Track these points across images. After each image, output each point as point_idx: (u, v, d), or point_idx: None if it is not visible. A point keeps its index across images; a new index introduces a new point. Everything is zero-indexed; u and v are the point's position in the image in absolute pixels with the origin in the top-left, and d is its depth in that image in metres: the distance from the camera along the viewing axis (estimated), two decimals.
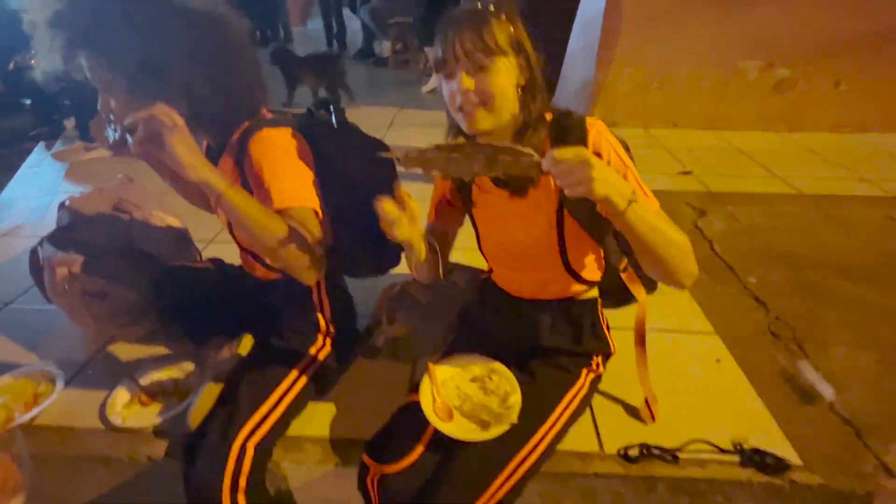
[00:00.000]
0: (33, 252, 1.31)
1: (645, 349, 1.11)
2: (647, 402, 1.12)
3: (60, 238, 1.30)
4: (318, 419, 1.15)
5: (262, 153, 0.97)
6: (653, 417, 1.12)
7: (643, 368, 1.12)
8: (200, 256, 1.57)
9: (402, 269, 1.11)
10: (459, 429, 0.91)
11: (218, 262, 1.43)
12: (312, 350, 1.14)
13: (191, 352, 1.29)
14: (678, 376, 1.26)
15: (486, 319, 1.14)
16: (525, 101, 0.86)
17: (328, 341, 1.17)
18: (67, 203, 1.43)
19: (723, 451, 1.06)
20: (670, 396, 1.16)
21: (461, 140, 0.90)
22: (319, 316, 1.16)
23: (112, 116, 0.94)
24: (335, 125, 1.09)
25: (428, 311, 1.19)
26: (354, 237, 1.10)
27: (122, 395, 1.17)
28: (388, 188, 0.82)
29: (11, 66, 4.07)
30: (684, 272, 0.82)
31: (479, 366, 1.01)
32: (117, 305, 1.31)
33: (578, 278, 1.03)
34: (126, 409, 1.14)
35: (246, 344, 1.15)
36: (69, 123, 3.50)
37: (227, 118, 1.01)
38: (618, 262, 1.06)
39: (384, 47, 5.45)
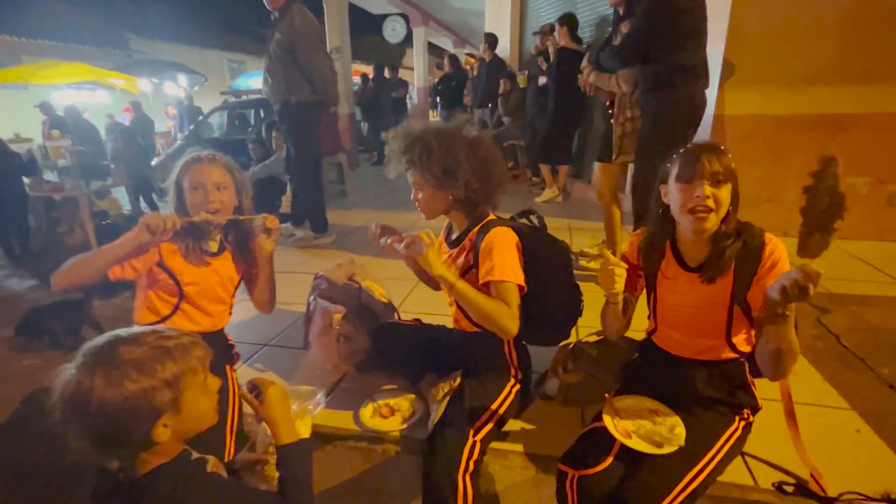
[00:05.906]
0: (308, 305, 1.89)
1: (797, 429, 1.32)
2: (812, 476, 1.29)
3: (325, 296, 1.87)
4: (515, 437, 1.50)
5: (493, 242, 1.45)
6: (823, 491, 1.26)
7: (801, 448, 1.33)
8: (399, 317, 2.07)
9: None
10: (639, 445, 1.18)
11: (419, 321, 1.91)
12: (507, 386, 1.52)
13: (408, 385, 1.73)
14: (821, 441, 1.42)
15: (648, 373, 1.44)
16: (731, 214, 1.21)
17: (516, 383, 1.54)
18: (321, 273, 2.03)
19: (874, 500, 1.23)
20: (815, 458, 1.32)
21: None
22: (510, 363, 1.56)
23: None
24: (539, 228, 1.58)
25: (597, 363, 1.53)
26: (542, 314, 1.51)
27: (368, 410, 1.61)
28: (567, 278, 1.44)
29: None
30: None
31: (647, 401, 1.31)
32: (356, 348, 1.81)
33: (734, 349, 1.28)
34: (372, 420, 1.57)
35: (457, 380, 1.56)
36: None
37: (483, 202, 1.50)
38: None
39: None
